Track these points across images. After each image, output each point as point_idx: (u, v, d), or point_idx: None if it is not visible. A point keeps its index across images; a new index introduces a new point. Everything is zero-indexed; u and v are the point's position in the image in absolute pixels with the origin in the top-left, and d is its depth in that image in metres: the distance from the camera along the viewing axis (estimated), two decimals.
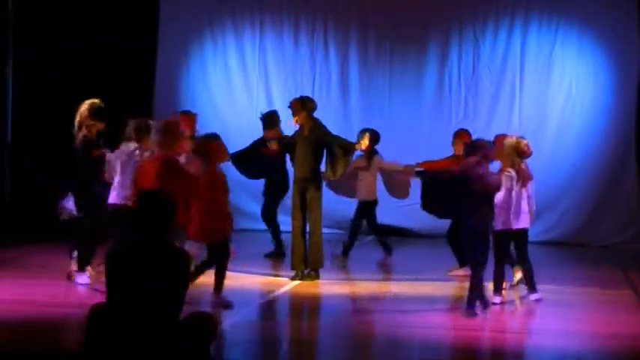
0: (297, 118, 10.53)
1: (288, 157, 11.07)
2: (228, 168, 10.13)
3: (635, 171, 14.65)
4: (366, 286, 10.39)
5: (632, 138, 14.63)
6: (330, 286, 10.42)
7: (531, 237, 9.83)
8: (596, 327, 8.45)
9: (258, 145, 11.42)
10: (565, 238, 14.32)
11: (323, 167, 10.79)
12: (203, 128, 11.26)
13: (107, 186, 9.55)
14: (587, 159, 14.67)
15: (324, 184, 10.84)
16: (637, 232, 14.58)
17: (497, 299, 9.15)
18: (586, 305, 9.73)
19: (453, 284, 10.72)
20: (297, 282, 10.31)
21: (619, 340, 7.94)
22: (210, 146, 8.80)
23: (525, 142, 9.27)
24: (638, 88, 14.62)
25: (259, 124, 11.97)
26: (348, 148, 10.64)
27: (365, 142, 10.55)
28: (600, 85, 14.81)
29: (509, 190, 9.06)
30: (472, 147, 8.85)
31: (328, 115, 12.75)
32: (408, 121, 15.09)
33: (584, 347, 7.60)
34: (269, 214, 12.32)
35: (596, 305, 9.71)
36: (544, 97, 14.95)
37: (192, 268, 8.57)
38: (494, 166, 10.41)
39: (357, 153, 11.22)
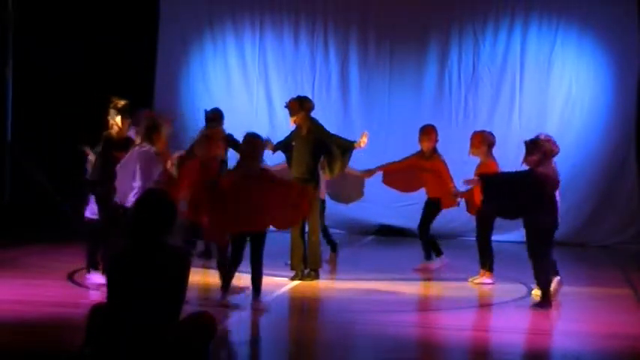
0: (295, 118, 10.52)
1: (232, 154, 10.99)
2: None
3: (635, 171, 14.65)
4: (366, 286, 10.38)
5: (632, 138, 14.63)
6: (330, 286, 10.42)
7: None
8: (596, 327, 8.44)
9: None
10: (565, 238, 14.25)
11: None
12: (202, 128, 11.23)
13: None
14: (587, 159, 14.66)
15: None
16: (637, 232, 14.59)
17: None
18: (586, 305, 9.72)
19: (453, 284, 10.71)
20: (297, 282, 10.31)
21: (619, 340, 7.93)
22: (258, 145, 8.86)
23: (553, 141, 9.28)
24: (638, 88, 14.62)
25: (259, 124, 11.97)
26: (346, 147, 10.63)
27: (364, 141, 10.53)
28: (600, 85, 14.82)
29: None
30: (532, 145, 8.77)
31: (328, 115, 12.76)
32: (407, 121, 15.05)
33: (584, 347, 7.59)
34: None
35: (596, 305, 9.71)
36: (544, 97, 14.95)
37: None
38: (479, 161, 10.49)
39: None
